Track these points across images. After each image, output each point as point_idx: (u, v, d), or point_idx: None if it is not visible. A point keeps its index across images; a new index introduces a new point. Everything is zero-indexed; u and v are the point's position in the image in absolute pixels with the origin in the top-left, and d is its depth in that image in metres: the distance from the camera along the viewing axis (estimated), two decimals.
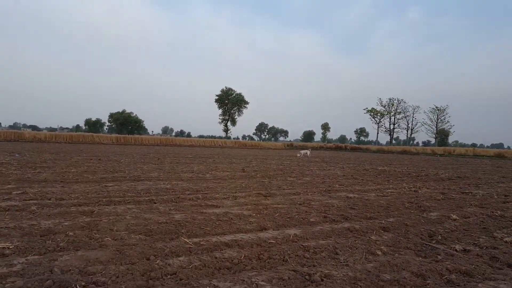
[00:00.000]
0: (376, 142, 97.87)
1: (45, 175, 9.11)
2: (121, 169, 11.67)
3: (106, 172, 10.44)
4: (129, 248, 3.57)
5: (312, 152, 29.92)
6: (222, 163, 16.95)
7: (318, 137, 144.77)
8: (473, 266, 3.56)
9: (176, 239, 4.04)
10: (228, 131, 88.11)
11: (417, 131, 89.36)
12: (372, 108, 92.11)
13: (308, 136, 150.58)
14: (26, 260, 3.11)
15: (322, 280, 3.03)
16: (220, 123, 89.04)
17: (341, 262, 3.55)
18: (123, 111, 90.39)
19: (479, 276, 3.32)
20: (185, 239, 4.00)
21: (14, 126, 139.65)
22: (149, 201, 6.17)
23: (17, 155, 16.26)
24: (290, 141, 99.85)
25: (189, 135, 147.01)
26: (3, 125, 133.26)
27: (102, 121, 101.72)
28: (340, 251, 3.90)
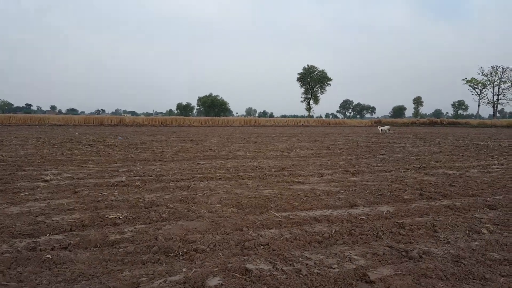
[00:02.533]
0: (477, 116, 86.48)
1: (145, 154, 10.19)
2: (210, 148, 12.44)
3: (198, 151, 11.23)
4: (223, 220, 3.81)
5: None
6: (305, 141, 16.85)
7: (409, 112, 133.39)
8: None
9: (266, 212, 4.18)
10: (311, 110, 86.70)
11: None
12: (472, 78, 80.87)
13: (398, 111, 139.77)
14: (134, 228, 3.53)
15: (420, 257, 2.85)
16: (302, 102, 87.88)
17: (441, 240, 3.29)
18: (210, 95, 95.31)
19: None
20: (275, 213, 4.11)
21: (116, 112, 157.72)
22: (238, 178, 6.47)
23: (120, 138, 18.29)
24: (378, 117, 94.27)
25: (271, 115, 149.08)
26: (106, 111, 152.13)
27: (192, 105, 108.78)
28: (440, 228, 3.61)
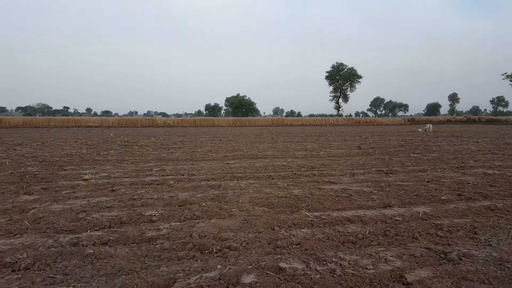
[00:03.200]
0: None
1: (176, 154, 10.43)
2: (239, 148, 12.54)
3: (227, 151, 11.37)
4: (254, 219, 3.84)
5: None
6: (335, 140, 16.60)
7: (444, 109, 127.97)
8: None
9: (297, 212, 4.16)
10: (340, 108, 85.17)
11: None
12: None
13: (433, 109, 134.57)
14: (169, 225, 3.64)
15: (460, 259, 2.74)
16: (331, 100, 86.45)
17: (482, 242, 3.14)
18: (237, 95, 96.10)
19: None
20: (306, 213, 4.09)
21: (148, 114, 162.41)
22: (267, 177, 6.49)
23: (152, 138, 18.79)
24: (411, 115, 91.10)
25: (299, 114, 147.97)
26: (139, 113, 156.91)
27: (219, 106, 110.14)
28: (480, 230, 3.46)
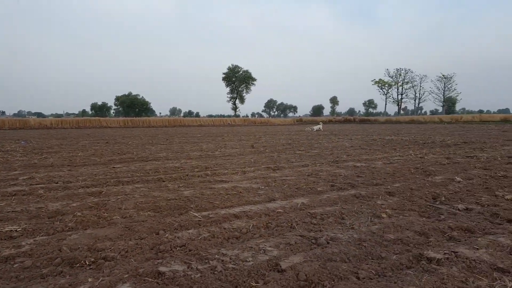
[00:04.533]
0: (385, 113, 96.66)
1: (52, 160, 9.25)
2: (129, 150, 11.79)
3: (114, 154, 10.57)
4: (138, 225, 3.64)
5: (322, 126, 29.68)
6: (231, 140, 16.98)
7: (327, 111, 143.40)
8: (474, 223, 3.62)
9: (185, 213, 4.10)
10: (237, 109, 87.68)
11: (424, 100, 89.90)
12: (380, 79, 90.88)
13: (317, 110, 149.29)
14: (34, 241, 3.18)
15: (328, 243, 3.07)
16: (228, 101, 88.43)
17: (347, 226, 3.59)
18: (129, 94, 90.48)
19: (480, 232, 3.37)
20: (194, 213, 4.06)
21: (19, 114, 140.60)
22: (157, 180, 6.25)
23: (23, 142, 16.16)
24: (299, 116, 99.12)
25: (197, 115, 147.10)
26: (7, 113, 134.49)
27: (108, 105, 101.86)
28: (346, 216, 3.94)
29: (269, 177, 6.47)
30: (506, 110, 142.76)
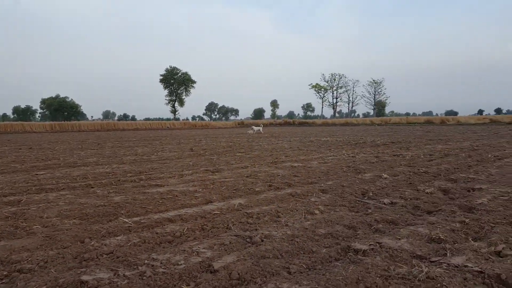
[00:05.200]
0: (321, 116, 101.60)
1: None
2: (55, 156, 10.85)
3: (38, 161, 9.65)
4: (61, 233, 3.35)
5: (262, 128, 30.18)
6: (169, 144, 16.49)
7: (268, 114, 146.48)
8: (398, 215, 3.91)
9: (114, 220, 3.87)
10: (176, 112, 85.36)
11: (357, 103, 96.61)
12: (316, 84, 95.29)
13: (259, 113, 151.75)
14: None
15: (262, 240, 3.10)
16: (167, 104, 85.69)
17: (281, 224, 3.65)
18: (57, 96, 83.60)
19: (402, 223, 3.65)
20: (125, 219, 3.84)
21: None
22: (85, 186, 5.82)
23: None
24: (241, 119, 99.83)
25: (133, 118, 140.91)
26: None
27: (33, 108, 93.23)
28: (282, 214, 4.02)
29: (208, 179, 6.38)
30: (429, 113, 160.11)
